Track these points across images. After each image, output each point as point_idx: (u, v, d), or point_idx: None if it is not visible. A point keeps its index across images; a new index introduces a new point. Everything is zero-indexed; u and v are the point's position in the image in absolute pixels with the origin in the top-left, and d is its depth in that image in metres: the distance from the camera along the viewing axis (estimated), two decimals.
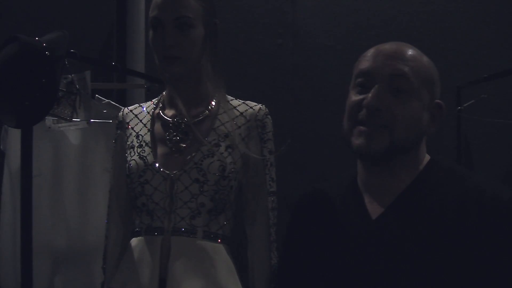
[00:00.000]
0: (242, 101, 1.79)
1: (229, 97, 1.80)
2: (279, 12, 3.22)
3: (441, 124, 1.46)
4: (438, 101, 1.44)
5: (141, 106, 1.85)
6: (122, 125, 1.82)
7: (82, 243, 2.48)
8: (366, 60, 1.42)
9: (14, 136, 2.47)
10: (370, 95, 1.37)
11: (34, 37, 1.94)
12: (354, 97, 1.42)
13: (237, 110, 1.76)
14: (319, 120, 3.14)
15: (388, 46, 1.43)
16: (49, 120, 2.41)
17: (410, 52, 1.42)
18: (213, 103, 1.76)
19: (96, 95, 2.53)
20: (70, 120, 2.28)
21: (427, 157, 1.47)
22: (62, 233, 2.51)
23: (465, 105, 3.01)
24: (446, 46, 3.22)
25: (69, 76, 2.27)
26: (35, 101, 1.84)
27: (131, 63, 3.14)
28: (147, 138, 1.74)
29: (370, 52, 1.44)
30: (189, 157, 1.68)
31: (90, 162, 2.50)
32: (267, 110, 1.78)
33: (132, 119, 1.81)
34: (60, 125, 2.41)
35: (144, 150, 1.71)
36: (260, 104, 1.78)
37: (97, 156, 2.49)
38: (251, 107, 1.77)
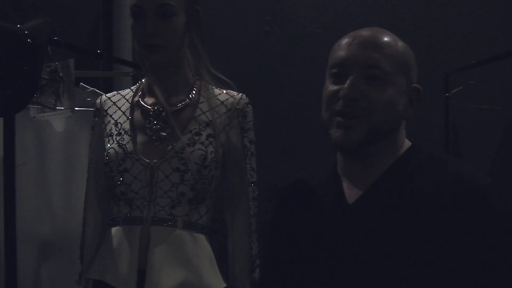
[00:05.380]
0: (223, 90, 1.77)
1: (210, 86, 1.78)
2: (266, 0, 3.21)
3: (424, 108, 1.48)
4: (416, 85, 1.45)
5: (119, 93, 1.82)
6: (99, 112, 1.80)
7: (68, 231, 2.48)
8: (340, 50, 1.42)
9: None
10: (345, 86, 1.38)
11: (16, 24, 1.92)
12: (330, 87, 1.43)
13: (218, 99, 1.74)
14: (306, 107, 3.13)
15: (362, 34, 1.43)
16: (33, 110, 2.40)
17: (384, 38, 1.42)
18: (194, 91, 1.75)
19: (81, 83, 2.51)
20: (54, 109, 2.26)
21: (408, 143, 1.48)
22: (48, 222, 2.51)
23: (453, 91, 3.02)
24: (434, 32, 3.22)
25: (53, 64, 2.26)
26: (17, 89, 1.81)
27: (118, 51, 3.12)
28: (126, 126, 1.71)
29: (344, 41, 1.43)
30: (170, 147, 1.66)
31: (74, 150, 2.50)
32: (247, 100, 1.76)
33: (110, 106, 1.78)
34: (44, 114, 2.39)
35: (123, 138, 1.69)
36: (241, 94, 1.77)
37: (81, 144, 2.48)
38: (232, 96, 1.75)
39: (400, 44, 1.44)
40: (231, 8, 3.21)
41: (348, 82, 1.38)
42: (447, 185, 1.33)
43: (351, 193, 1.43)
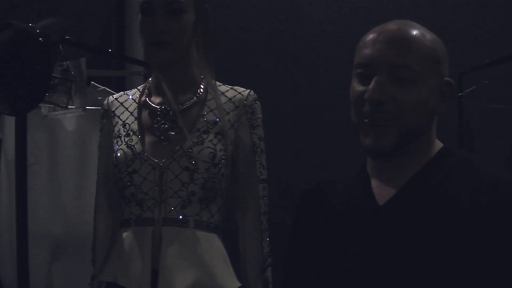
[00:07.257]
0: (230, 86, 1.76)
1: (217, 83, 1.76)
2: None
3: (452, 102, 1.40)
4: (447, 79, 1.38)
5: (126, 94, 1.81)
6: (107, 114, 1.79)
7: (80, 230, 2.47)
8: (365, 47, 1.35)
9: (11, 123, 2.46)
10: (370, 87, 1.31)
11: (29, 23, 1.92)
12: (357, 87, 1.36)
13: (225, 96, 1.73)
14: (318, 106, 3.12)
15: (388, 28, 1.36)
16: (45, 107, 2.40)
17: (411, 33, 1.35)
18: (201, 89, 1.73)
19: (92, 82, 2.52)
20: (66, 108, 2.27)
21: (440, 144, 1.42)
22: (60, 221, 2.50)
23: (467, 91, 2.98)
24: (447, 32, 3.18)
25: (65, 63, 2.27)
26: (29, 88, 1.82)
27: (130, 50, 3.12)
28: (135, 126, 1.71)
29: (369, 36, 1.36)
30: (178, 146, 1.65)
31: (86, 149, 2.49)
32: (255, 96, 1.74)
33: (117, 107, 1.77)
34: (56, 112, 2.40)
35: (132, 139, 1.68)
36: (248, 90, 1.75)
37: (93, 143, 2.46)
38: (239, 93, 1.74)
39: (429, 37, 1.37)
40: (244, 7, 3.20)
41: (373, 83, 1.31)
42: (484, 189, 1.29)
43: (381, 193, 1.38)
